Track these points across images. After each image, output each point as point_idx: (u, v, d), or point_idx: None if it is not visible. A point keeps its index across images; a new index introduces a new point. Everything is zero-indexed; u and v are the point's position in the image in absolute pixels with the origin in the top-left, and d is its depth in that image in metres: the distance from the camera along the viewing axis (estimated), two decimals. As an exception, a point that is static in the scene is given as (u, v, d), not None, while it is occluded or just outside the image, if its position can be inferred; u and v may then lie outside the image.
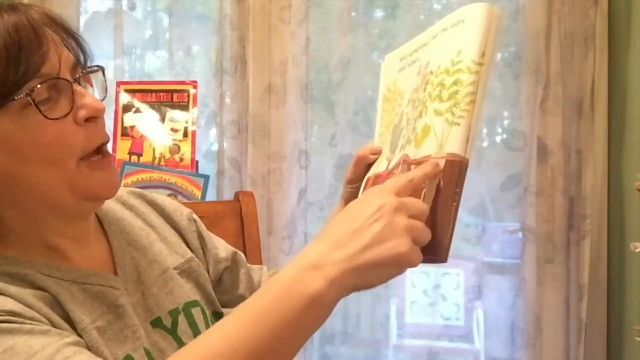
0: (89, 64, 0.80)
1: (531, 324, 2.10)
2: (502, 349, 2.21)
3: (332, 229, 0.68)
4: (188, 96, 1.73)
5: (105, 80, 0.82)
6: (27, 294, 0.72)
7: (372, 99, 2.23)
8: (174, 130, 1.71)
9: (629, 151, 2.03)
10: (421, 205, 0.70)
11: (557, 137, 2.05)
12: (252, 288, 1.02)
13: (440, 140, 0.75)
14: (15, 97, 0.71)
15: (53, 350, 0.66)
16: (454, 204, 0.73)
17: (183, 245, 0.95)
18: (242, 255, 1.04)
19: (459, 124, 0.74)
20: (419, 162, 0.77)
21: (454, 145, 0.74)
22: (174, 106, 1.72)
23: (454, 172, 0.73)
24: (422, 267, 2.32)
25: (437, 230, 0.72)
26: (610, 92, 2.06)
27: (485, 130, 2.28)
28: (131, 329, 0.80)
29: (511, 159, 2.19)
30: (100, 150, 0.78)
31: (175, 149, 1.70)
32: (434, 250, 0.72)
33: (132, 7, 2.20)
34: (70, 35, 0.78)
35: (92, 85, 0.80)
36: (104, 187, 0.79)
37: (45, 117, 0.72)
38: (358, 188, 0.95)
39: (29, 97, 0.71)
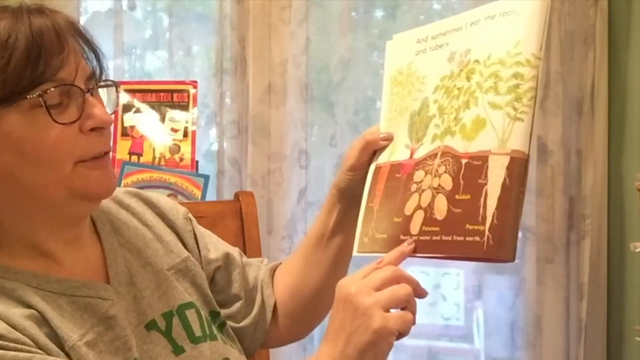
0: (104, 78, 0.82)
1: (531, 324, 2.10)
2: (502, 349, 2.21)
3: (327, 327, 0.77)
4: (188, 96, 1.73)
5: (118, 97, 0.84)
6: (13, 312, 0.73)
7: (372, 99, 2.23)
8: (174, 130, 1.71)
9: (629, 151, 2.03)
10: (385, 271, 0.75)
11: (557, 137, 2.05)
12: (247, 287, 1.01)
13: (502, 135, 0.72)
14: (28, 97, 0.73)
15: None
16: (520, 202, 0.71)
17: (179, 244, 0.95)
18: (237, 253, 1.03)
19: (522, 120, 0.71)
20: (472, 157, 0.74)
21: (518, 142, 0.71)
22: (174, 106, 1.72)
23: (520, 170, 0.72)
24: (422, 267, 2.32)
25: (503, 230, 0.70)
26: (610, 92, 2.06)
27: (485, 130, 2.27)
28: (122, 340, 0.79)
29: (511, 159, 2.18)
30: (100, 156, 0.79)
31: (175, 149, 1.69)
32: (500, 251, 0.70)
33: (132, 7, 2.20)
34: (91, 47, 0.80)
35: (100, 102, 0.81)
36: (100, 186, 0.79)
37: (54, 120, 0.74)
38: (360, 176, 0.92)
39: (40, 99, 0.73)
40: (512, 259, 0.71)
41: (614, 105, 2.06)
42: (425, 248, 0.76)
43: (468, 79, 0.77)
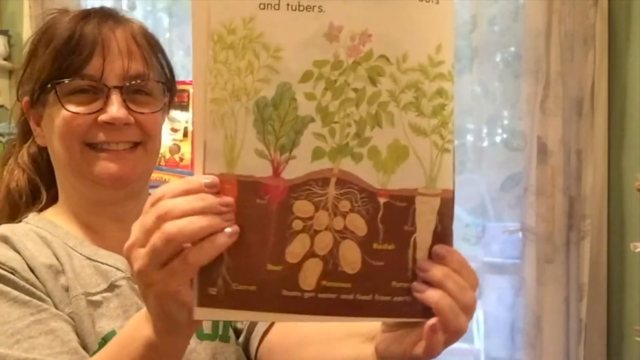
0: (161, 79, 0.92)
1: (531, 324, 2.10)
2: (502, 349, 2.21)
3: None
4: (188, 96, 1.73)
5: (166, 95, 0.93)
6: (38, 259, 0.79)
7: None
8: (174, 130, 1.71)
9: (629, 151, 2.04)
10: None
11: (557, 137, 2.05)
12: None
13: (430, 171, 0.60)
14: (48, 86, 0.83)
15: (23, 325, 0.74)
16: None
17: None
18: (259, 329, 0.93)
19: (449, 151, 0.60)
20: (394, 196, 0.61)
21: (447, 179, 0.60)
22: (173, 106, 1.72)
23: (451, 211, 0.60)
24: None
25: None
26: (610, 92, 2.06)
27: (485, 130, 2.28)
28: (123, 308, 0.83)
29: (511, 159, 2.19)
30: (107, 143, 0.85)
31: (175, 149, 1.70)
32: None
33: (132, 7, 2.20)
34: (154, 53, 0.90)
35: (133, 101, 0.85)
36: (102, 171, 0.84)
37: (63, 107, 0.82)
38: None
39: (56, 87, 0.82)
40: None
41: (614, 105, 2.07)
42: (327, 308, 0.61)
43: (373, 81, 0.60)
